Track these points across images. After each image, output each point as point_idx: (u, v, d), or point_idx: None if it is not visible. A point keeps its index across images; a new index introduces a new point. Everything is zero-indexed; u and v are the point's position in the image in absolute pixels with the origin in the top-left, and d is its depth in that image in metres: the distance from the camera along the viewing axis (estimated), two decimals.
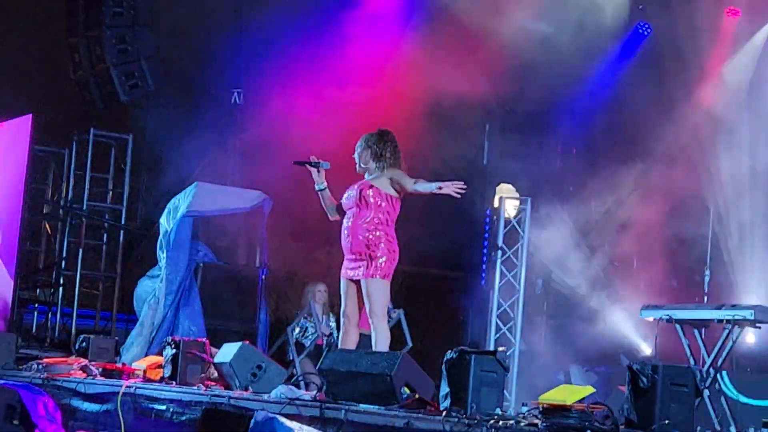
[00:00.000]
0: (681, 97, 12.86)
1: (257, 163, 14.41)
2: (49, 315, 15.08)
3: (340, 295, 9.30)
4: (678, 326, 11.31)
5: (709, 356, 10.88)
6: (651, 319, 11.56)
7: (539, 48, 13.23)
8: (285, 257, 13.23)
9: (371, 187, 8.91)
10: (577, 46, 13.02)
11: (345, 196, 9.08)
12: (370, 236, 8.84)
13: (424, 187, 8.71)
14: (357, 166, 9.06)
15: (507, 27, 13.16)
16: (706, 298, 12.30)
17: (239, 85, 14.24)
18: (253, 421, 6.49)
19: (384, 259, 8.81)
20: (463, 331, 13.54)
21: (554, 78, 12.98)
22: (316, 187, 9.11)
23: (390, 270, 8.85)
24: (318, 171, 9.05)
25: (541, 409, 6.47)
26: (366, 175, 9.05)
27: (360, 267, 8.85)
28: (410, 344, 12.46)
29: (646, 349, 12.33)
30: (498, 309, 13.31)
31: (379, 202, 8.88)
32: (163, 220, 11.95)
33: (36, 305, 15.33)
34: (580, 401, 6.47)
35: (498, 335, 13.22)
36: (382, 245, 8.83)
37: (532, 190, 13.46)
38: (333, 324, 12.97)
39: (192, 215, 11.80)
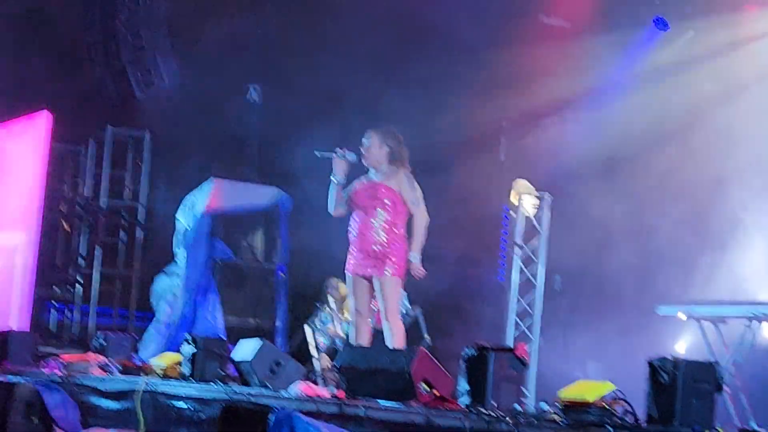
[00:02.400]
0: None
1: (275, 159, 14.42)
2: (68, 313, 15.13)
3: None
4: (697, 322, 11.30)
5: (728, 352, 10.85)
6: (670, 314, 11.55)
7: (555, 42, 13.19)
8: (302, 254, 13.21)
9: (386, 187, 8.90)
10: (595, 40, 12.97)
11: (352, 191, 9.04)
12: (385, 236, 8.84)
13: (417, 236, 8.76)
14: (366, 159, 9.01)
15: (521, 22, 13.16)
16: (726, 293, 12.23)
17: (256, 81, 14.23)
18: (272, 417, 6.47)
19: (398, 258, 8.82)
20: (481, 329, 13.49)
21: (570, 72, 12.93)
22: (335, 179, 9.04)
23: (404, 269, 8.86)
24: (342, 162, 8.98)
25: (560, 405, 6.45)
26: (374, 172, 9.01)
27: (374, 265, 8.85)
28: (429, 341, 12.45)
29: (666, 347, 12.29)
30: (517, 306, 13.27)
31: (393, 203, 8.88)
32: (179, 216, 11.96)
33: (54, 303, 15.36)
34: (601, 397, 6.45)
35: (517, 332, 13.17)
36: (397, 245, 8.84)
37: (550, 186, 13.40)
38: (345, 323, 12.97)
39: (210, 213, 11.80)
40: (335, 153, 8.98)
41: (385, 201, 8.88)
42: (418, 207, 8.91)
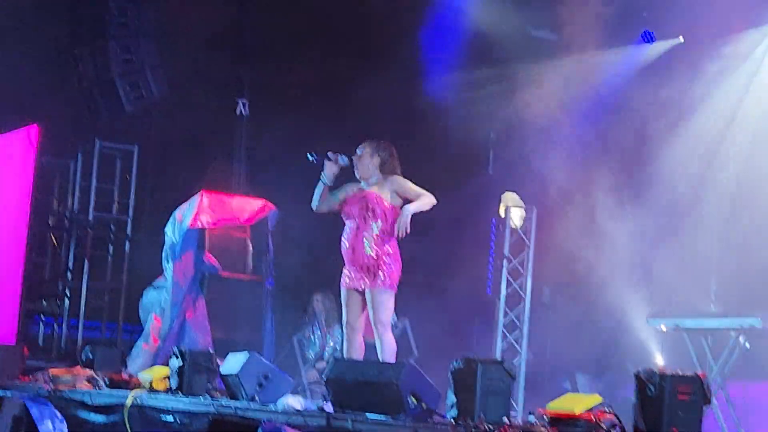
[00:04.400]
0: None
1: (263, 172, 14.43)
2: (55, 326, 15.09)
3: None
4: (685, 335, 11.34)
5: (716, 364, 10.89)
6: (663, 328, 11.59)
7: (544, 55, 13.23)
8: (290, 267, 13.22)
9: (377, 196, 8.91)
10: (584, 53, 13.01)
11: (344, 198, 9.04)
12: (377, 249, 8.84)
13: (419, 200, 8.77)
14: (357, 170, 9.03)
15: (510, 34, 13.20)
16: (712, 306, 12.28)
17: (244, 95, 14.24)
18: (260, 430, 6.47)
19: (390, 270, 8.82)
20: (468, 341, 13.51)
21: (560, 85, 12.95)
22: (324, 180, 9.04)
23: (395, 280, 8.86)
24: (335, 164, 9.00)
25: (548, 418, 6.45)
26: (364, 183, 9.03)
27: (365, 278, 8.85)
28: (416, 354, 12.46)
29: (654, 359, 12.32)
30: (504, 318, 13.29)
31: (385, 214, 8.88)
32: (168, 230, 11.95)
33: (42, 317, 15.33)
34: (588, 410, 6.46)
35: (505, 345, 13.19)
36: (389, 257, 8.84)
37: (537, 199, 13.44)
38: (339, 338, 12.98)
39: (198, 226, 11.80)
40: (327, 157, 8.99)
41: (376, 210, 8.87)
42: (422, 193, 8.86)
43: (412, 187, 8.92)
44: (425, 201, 8.85)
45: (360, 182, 9.10)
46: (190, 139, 14.43)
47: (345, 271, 9.01)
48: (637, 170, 12.88)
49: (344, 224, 9.06)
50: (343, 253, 9.00)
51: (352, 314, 9.03)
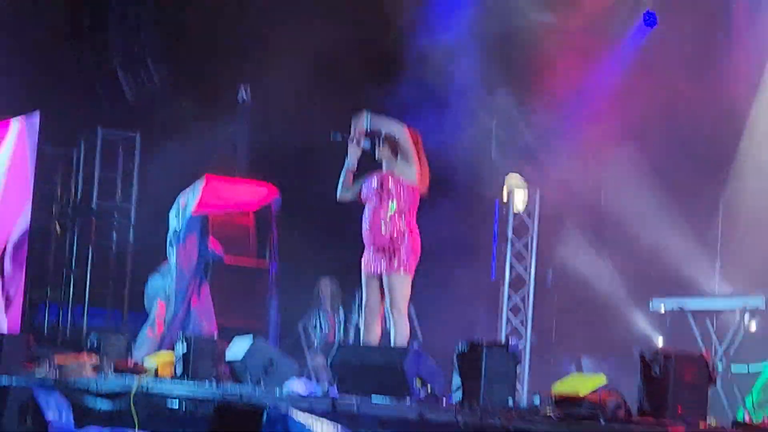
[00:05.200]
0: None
1: (265, 158, 14.42)
2: (60, 315, 15.12)
3: (351, 290, 9.31)
4: (689, 316, 11.34)
5: (720, 345, 10.89)
6: (663, 311, 11.58)
7: (547, 39, 13.20)
8: (293, 254, 13.22)
9: (391, 176, 8.88)
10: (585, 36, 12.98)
11: (364, 183, 9.03)
12: (394, 230, 8.80)
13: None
14: (377, 150, 9.00)
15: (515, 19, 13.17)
16: (716, 287, 12.28)
17: (246, 81, 14.23)
18: (265, 415, 6.49)
19: (407, 253, 8.78)
20: (473, 325, 13.51)
21: (563, 69, 12.93)
22: (348, 164, 9.03)
23: (413, 264, 8.82)
24: (358, 148, 9.00)
25: (553, 399, 6.46)
26: (385, 163, 9.01)
27: (382, 261, 8.81)
28: (421, 339, 12.46)
29: (658, 340, 12.32)
30: (508, 301, 13.30)
31: (399, 192, 8.84)
32: (172, 215, 11.95)
33: (47, 305, 15.35)
34: (594, 390, 6.47)
35: (509, 328, 13.21)
36: (406, 239, 8.79)
37: (541, 182, 13.44)
38: (343, 323, 13.02)
39: (201, 212, 11.80)
40: (350, 138, 8.97)
41: (392, 191, 8.84)
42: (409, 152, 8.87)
43: (407, 146, 8.86)
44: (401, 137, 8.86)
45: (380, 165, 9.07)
46: (192, 125, 14.42)
47: (365, 255, 8.98)
48: (641, 149, 12.85)
49: (356, 206, 9.05)
50: (363, 235, 8.98)
51: (372, 299, 8.96)
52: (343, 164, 9.08)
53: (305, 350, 13.09)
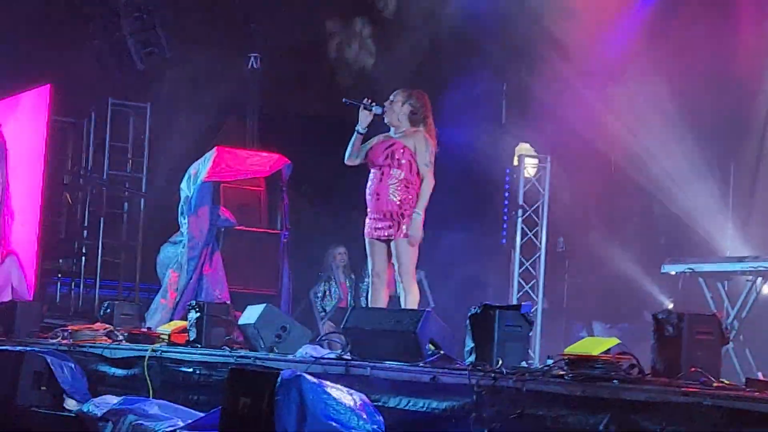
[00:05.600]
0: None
1: (276, 127, 14.41)
2: (72, 286, 15.15)
3: (362, 258, 9.31)
4: (701, 280, 11.35)
5: (732, 308, 10.90)
6: (673, 273, 11.59)
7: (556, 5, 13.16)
8: (304, 222, 13.24)
9: (403, 147, 8.90)
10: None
11: (370, 147, 9.04)
12: (402, 197, 8.83)
13: (422, 197, 8.77)
14: (387, 116, 9.02)
15: None
16: (728, 251, 12.28)
17: (256, 50, 14.20)
18: (279, 379, 6.50)
19: (414, 219, 8.81)
20: (485, 291, 13.53)
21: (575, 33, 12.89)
22: (359, 128, 9.04)
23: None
24: (369, 113, 9.01)
25: (566, 360, 6.46)
26: (393, 130, 9.03)
27: (390, 227, 8.84)
28: (433, 305, 12.48)
29: (669, 305, 12.33)
30: (520, 268, 13.33)
31: (409, 163, 8.87)
32: (183, 185, 11.97)
33: (59, 276, 15.39)
34: (606, 352, 6.47)
35: (520, 294, 13.23)
36: (412, 206, 8.83)
37: (552, 148, 13.43)
38: (351, 290, 13.06)
39: (212, 180, 11.82)
40: (362, 103, 8.99)
41: (401, 160, 8.86)
42: (428, 169, 8.91)
43: (423, 155, 8.88)
44: (427, 192, 8.88)
45: (389, 131, 9.09)
46: (202, 94, 14.41)
47: (368, 220, 9.01)
48: (651, 114, 12.82)
49: (367, 174, 9.07)
50: (367, 201, 9.00)
51: (378, 264, 9.02)
52: (353, 130, 9.11)
53: (317, 318, 13.13)
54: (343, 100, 9.11)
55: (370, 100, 8.99)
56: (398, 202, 8.83)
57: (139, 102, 15.11)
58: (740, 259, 11.11)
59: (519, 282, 13.32)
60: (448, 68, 12.56)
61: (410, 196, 8.85)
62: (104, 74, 14.91)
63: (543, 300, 13.30)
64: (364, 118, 9.00)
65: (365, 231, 9.05)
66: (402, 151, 8.88)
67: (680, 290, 11.79)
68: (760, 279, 10.86)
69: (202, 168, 11.87)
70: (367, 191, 9.02)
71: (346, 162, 9.17)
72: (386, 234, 8.88)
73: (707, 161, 12.54)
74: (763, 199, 11.99)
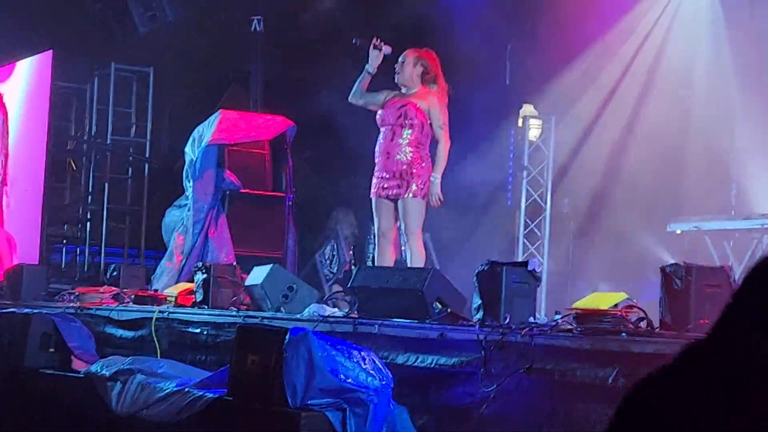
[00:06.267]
0: None
1: (280, 92, 14.38)
2: (77, 252, 15.17)
3: (367, 221, 9.32)
4: (707, 238, 11.35)
5: (739, 266, 10.90)
6: (679, 231, 11.59)
7: None
8: (308, 187, 13.23)
9: (417, 107, 8.87)
10: None
11: (382, 102, 9.00)
12: (411, 156, 8.82)
13: (439, 160, 8.75)
14: (398, 77, 8.99)
15: None
16: (733, 211, 12.28)
17: (258, 12, 14.15)
18: (287, 336, 6.51)
19: (423, 179, 8.81)
20: (490, 252, 13.52)
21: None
22: (368, 68, 9.01)
23: (427, 190, 8.84)
24: (378, 54, 8.99)
25: (574, 315, 6.48)
26: (403, 89, 9.00)
27: (398, 186, 8.83)
28: (438, 267, 12.48)
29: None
30: (525, 229, 13.33)
31: (421, 123, 8.86)
32: (188, 149, 11.95)
33: (64, 242, 15.41)
34: (614, 306, 6.48)
35: (525, 255, 13.23)
36: (422, 165, 8.83)
37: (557, 110, 13.40)
38: (354, 252, 13.08)
39: (216, 143, 11.80)
40: (373, 43, 8.98)
41: (414, 121, 8.85)
42: (442, 132, 8.89)
43: (438, 118, 8.87)
44: (444, 154, 8.87)
45: (401, 90, 9.06)
46: (205, 58, 14.38)
47: (375, 180, 9.00)
48: (652, 77, 12.80)
49: (372, 135, 9.06)
50: (376, 159, 8.99)
51: (385, 222, 9.02)
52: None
53: (323, 281, 13.14)
54: (353, 40, 9.10)
55: (380, 40, 8.99)
56: (408, 162, 8.82)
57: (142, 66, 15.09)
58: (746, 217, 11.10)
59: (524, 243, 13.31)
60: (452, 30, 12.49)
61: (420, 157, 8.85)
62: (106, 39, 14.88)
63: (548, 261, 13.30)
64: (374, 57, 9.00)
65: (372, 190, 9.05)
66: (415, 111, 8.86)
67: (686, 249, 11.79)
68: (766, 237, 10.86)
69: (206, 131, 11.85)
70: (377, 149, 9.00)
71: (349, 100, 9.15)
72: (394, 193, 8.88)
73: (709, 119, 12.52)
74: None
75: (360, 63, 9.13)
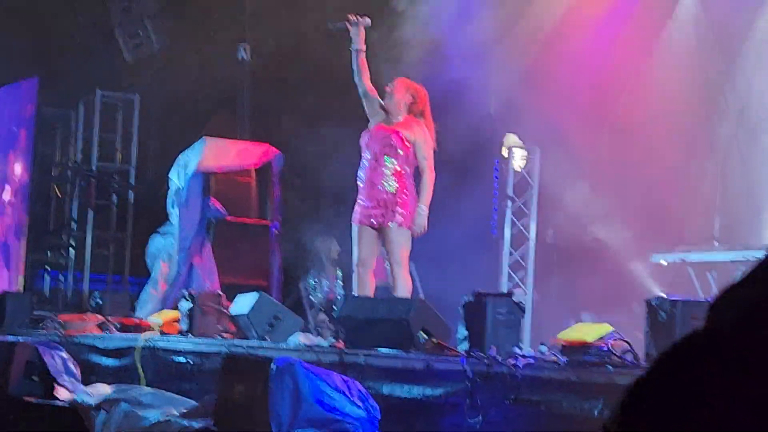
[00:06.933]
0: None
1: (266, 120, 14.40)
2: (61, 278, 15.15)
3: (350, 249, 9.30)
4: (690, 269, 11.39)
5: None
6: (664, 262, 11.63)
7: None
8: (293, 215, 13.24)
9: (403, 137, 8.87)
10: None
11: (368, 130, 9.02)
12: (396, 185, 8.81)
13: (425, 191, 8.80)
14: (387, 104, 8.99)
15: None
16: (716, 242, 12.32)
17: (245, 40, 14.19)
18: (273, 366, 6.51)
19: (408, 208, 8.81)
20: (475, 282, 13.53)
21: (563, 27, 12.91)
22: (355, 47, 9.04)
23: (411, 219, 8.83)
24: (357, 29, 9.02)
25: (560, 347, 6.50)
26: (390, 116, 8.98)
27: (382, 214, 8.81)
28: (422, 296, 12.49)
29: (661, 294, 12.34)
30: (509, 258, 13.35)
31: (406, 153, 8.87)
32: (173, 175, 11.97)
33: (48, 268, 15.38)
34: (599, 338, 6.50)
35: (510, 285, 13.25)
36: (407, 193, 8.82)
37: (541, 139, 13.44)
38: (340, 282, 13.05)
39: (203, 171, 11.82)
40: (348, 22, 8.99)
41: (399, 150, 8.84)
42: (427, 163, 8.90)
43: (424, 149, 8.88)
44: (430, 185, 8.89)
45: (387, 115, 9.03)
46: (191, 85, 14.40)
47: (358, 207, 8.97)
48: (638, 106, 12.87)
49: (360, 158, 9.06)
50: (359, 186, 8.97)
51: (365, 251, 8.97)
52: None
53: (306, 309, 13.13)
54: (328, 26, 9.13)
55: (355, 15, 9.01)
56: (393, 191, 8.82)
57: (127, 93, 15.10)
58: (729, 248, 11.15)
59: (509, 273, 13.34)
60: (437, 58, 12.53)
61: (405, 185, 8.85)
62: (93, 66, 14.89)
63: (532, 291, 13.33)
64: (356, 34, 9.02)
65: (354, 217, 9.00)
66: (401, 141, 8.86)
67: (669, 282, 11.82)
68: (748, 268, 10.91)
69: (192, 159, 11.87)
70: (361, 177, 8.98)
71: (357, 83, 9.11)
72: (378, 221, 8.86)
73: (699, 150, 12.59)
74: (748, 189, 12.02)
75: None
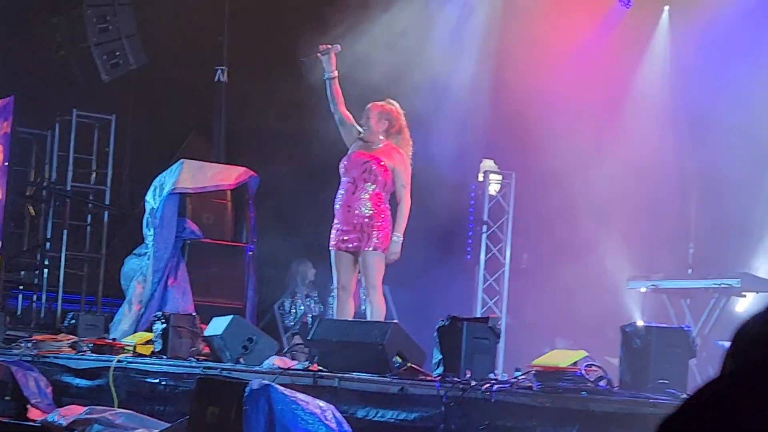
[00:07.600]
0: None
1: (242, 142, 14.40)
2: (34, 298, 15.06)
3: (328, 272, 9.30)
4: (665, 296, 11.44)
5: (695, 325, 10.99)
6: (642, 289, 11.68)
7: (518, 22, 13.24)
8: (269, 238, 13.22)
9: (382, 163, 8.90)
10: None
11: (347, 156, 9.03)
12: (372, 210, 8.84)
13: (401, 219, 8.80)
14: (363, 132, 9.01)
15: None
16: (690, 270, 12.38)
17: (222, 63, 14.19)
18: (248, 389, 6.50)
19: (383, 232, 8.83)
20: (449, 306, 13.53)
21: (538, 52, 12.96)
22: (325, 76, 9.05)
23: (386, 244, 8.86)
24: (329, 58, 9.03)
25: (534, 372, 6.52)
26: (369, 143, 9.00)
27: (358, 239, 8.84)
28: (396, 321, 12.48)
29: (634, 321, 12.38)
30: (484, 283, 13.38)
31: (384, 180, 8.89)
32: (149, 197, 11.94)
33: (21, 288, 15.29)
34: (573, 364, 6.53)
35: (484, 309, 13.27)
36: (383, 218, 8.85)
37: (517, 166, 13.49)
38: (313, 304, 13.06)
39: (178, 192, 11.80)
40: (319, 52, 9.01)
41: (377, 177, 8.87)
42: (405, 191, 8.93)
43: (402, 176, 8.90)
44: (405, 213, 8.91)
45: (366, 142, 9.04)
46: (168, 107, 14.38)
47: (335, 232, 8.99)
48: (612, 133, 12.93)
49: (336, 187, 9.07)
50: (336, 211, 8.99)
51: (344, 275, 9.00)
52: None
53: (281, 332, 13.11)
54: (300, 60, 9.15)
55: (324, 45, 9.04)
56: (369, 215, 8.85)
57: (103, 114, 15.05)
58: (703, 276, 11.20)
59: (483, 298, 13.36)
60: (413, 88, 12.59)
61: (381, 211, 8.88)
62: (69, 85, 14.86)
63: (507, 316, 13.35)
64: (327, 62, 9.05)
65: (331, 242, 9.04)
66: (380, 168, 8.89)
67: (643, 308, 11.87)
68: (722, 296, 10.96)
69: (168, 180, 11.86)
70: (338, 201, 9.01)
71: (333, 111, 9.11)
72: (354, 246, 8.89)
73: (672, 177, 12.65)
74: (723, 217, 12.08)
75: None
